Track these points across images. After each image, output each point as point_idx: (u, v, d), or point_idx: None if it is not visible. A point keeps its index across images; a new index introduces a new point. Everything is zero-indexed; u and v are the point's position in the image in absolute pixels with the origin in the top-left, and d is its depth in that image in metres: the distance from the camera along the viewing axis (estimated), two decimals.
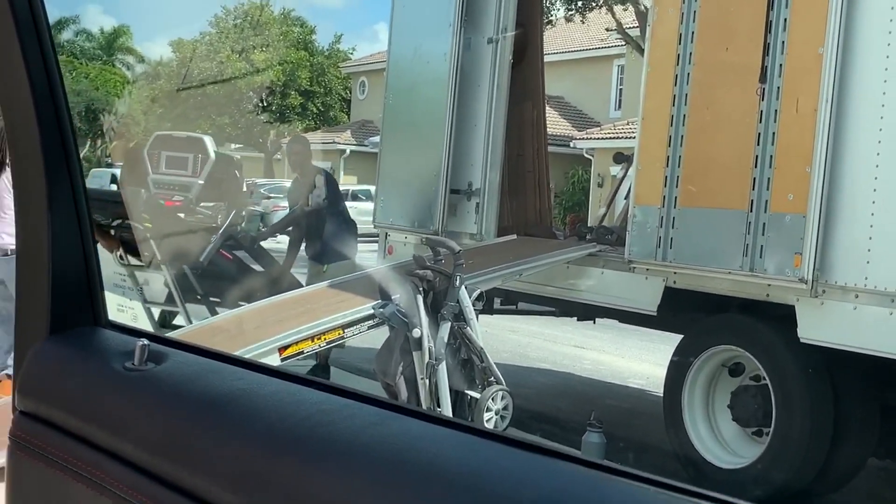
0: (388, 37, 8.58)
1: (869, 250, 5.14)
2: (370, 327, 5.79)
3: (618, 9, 21.39)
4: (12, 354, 6.30)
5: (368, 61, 40.70)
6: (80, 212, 1.35)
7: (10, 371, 6.31)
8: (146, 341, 1.25)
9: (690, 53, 6.01)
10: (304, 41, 51.38)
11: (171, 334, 6.64)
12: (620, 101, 27.74)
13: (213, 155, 7.34)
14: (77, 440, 1.23)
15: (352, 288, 6.42)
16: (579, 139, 24.85)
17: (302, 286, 7.40)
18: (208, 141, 7.66)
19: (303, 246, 8.34)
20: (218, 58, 47.92)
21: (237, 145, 49.20)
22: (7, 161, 6.14)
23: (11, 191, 5.97)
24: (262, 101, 49.57)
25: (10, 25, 1.25)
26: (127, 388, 1.24)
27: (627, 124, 20.33)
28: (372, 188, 11.16)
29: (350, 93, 45.51)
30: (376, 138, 10.40)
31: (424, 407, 5.24)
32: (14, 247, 6.00)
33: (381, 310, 5.58)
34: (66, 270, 1.32)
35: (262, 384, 1.20)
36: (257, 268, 8.01)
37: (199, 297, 7.99)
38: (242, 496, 1.04)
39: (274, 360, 5.62)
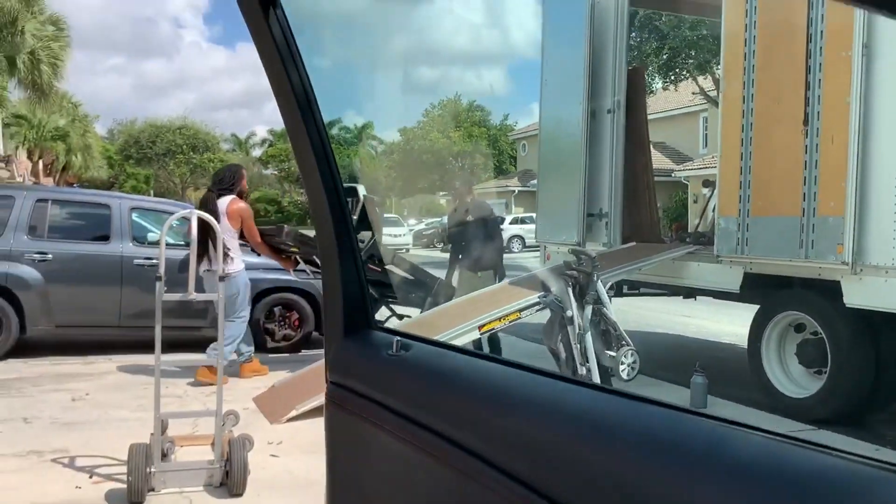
0: (539, 112, 8.64)
1: (894, 238, 4.82)
2: (537, 311, 5.83)
3: (699, 78, 20.69)
4: (228, 341, 6.04)
5: (526, 130, 40.63)
6: (355, 251, 1.41)
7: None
8: (398, 337, 1.31)
9: (752, 108, 5.81)
10: (483, 120, 51.94)
11: (408, 320, 6.83)
12: (706, 141, 26.71)
13: (362, 198, 7.05)
14: (366, 399, 1.30)
15: (523, 284, 6.50)
16: (678, 170, 24.04)
17: (454, 289, 7.02)
18: (360, 188, 7.23)
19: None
20: (429, 137, 49.15)
21: (443, 192, 50.19)
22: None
23: (232, 236, 5.94)
24: (458, 161, 50.45)
25: (304, 133, 1.31)
26: (391, 367, 1.29)
27: (712, 158, 19.66)
28: (533, 215, 11.15)
29: (515, 152, 45.64)
30: (535, 181, 10.40)
31: (577, 362, 5.25)
32: (226, 272, 5.72)
33: (544, 298, 5.64)
34: (351, 293, 1.40)
35: (469, 363, 1.24)
36: (406, 276, 7.16)
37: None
38: (467, 434, 1.06)
39: (475, 334, 5.76)
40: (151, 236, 7.79)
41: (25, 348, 7.05)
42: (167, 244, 7.68)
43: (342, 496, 1.37)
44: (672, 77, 20.70)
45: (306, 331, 7.94)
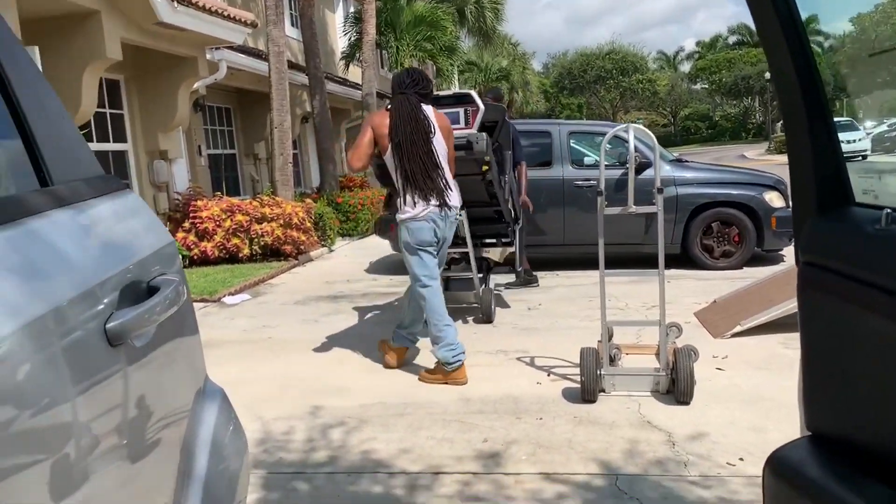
0: None
1: None
2: None
3: None
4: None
5: None
6: (829, 122, 1.31)
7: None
8: (890, 209, 1.19)
9: None
10: None
11: None
12: None
13: (481, 105, 5.17)
14: (850, 279, 1.22)
15: None
16: None
17: None
18: (474, 93, 5.12)
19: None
20: (892, 20, 41.77)
21: None
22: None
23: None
24: None
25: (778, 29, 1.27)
26: (884, 243, 1.16)
27: None
28: None
29: None
30: None
31: None
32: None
33: None
34: (824, 166, 1.32)
35: None
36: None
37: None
38: None
39: None
40: (587, 160, 8.17)
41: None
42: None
43: (824, 378, 1.31)
44: None
45: (748, 247, 7.63)
